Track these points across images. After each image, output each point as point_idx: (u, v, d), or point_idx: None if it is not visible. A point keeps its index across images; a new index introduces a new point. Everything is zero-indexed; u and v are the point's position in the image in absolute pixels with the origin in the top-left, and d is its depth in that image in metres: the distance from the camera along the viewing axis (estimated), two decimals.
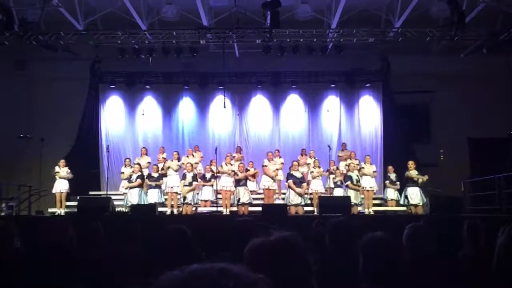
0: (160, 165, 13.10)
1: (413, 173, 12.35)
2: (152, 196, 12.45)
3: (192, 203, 12.56)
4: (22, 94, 16.11)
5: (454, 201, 10.88)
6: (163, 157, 13.57)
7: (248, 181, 12.67)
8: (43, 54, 14.86)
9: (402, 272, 2.43)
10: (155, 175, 12.73)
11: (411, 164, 12.45)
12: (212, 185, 12.64)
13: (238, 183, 12.42)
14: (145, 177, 12.72)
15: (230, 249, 3.09)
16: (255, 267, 1.44)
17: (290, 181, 12.34)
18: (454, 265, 3.64)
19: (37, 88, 16.10)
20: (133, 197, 12.27)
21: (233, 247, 3.17)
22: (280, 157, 13.62)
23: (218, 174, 12.71)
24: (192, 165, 12.89)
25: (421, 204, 11.99)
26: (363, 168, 12.81)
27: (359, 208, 12.48)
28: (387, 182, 13.03)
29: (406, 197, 12.29)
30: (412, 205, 12.14)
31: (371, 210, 12.37)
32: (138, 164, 12.92)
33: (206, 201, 12.56)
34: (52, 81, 15.84)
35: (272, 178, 12.67)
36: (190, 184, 12.45)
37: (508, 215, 10.06)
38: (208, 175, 12.71)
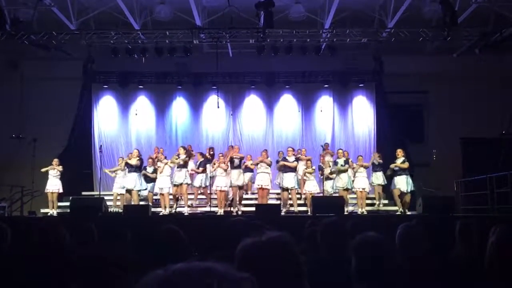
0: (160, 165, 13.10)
1: (398, 161, 12.26)
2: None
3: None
4: (14, 94, 16.00)
5: (446, 201, 10.94)
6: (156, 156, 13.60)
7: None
8: (36, 53, 14.79)
9: (394, 272, 2.44)
10: (150, 169, 12.72)
11: (399, 152, 12.40)
12: (204, 171, 12.85)
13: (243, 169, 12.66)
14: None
15: (223, 249, 3.09)
16: (246, 267, 1.44)
17: (282, 162, 12.55)
18: (446, 265, 3.66)
19: (29, 88, 16.00)
20: (130, 182, 12.33)
21: (227, 247, 3.17)
22: (268, 157, 13.59)
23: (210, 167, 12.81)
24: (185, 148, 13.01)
25: (408, 190, 12.00)
26: (354, 167, 12.78)
27: (351, 208, 12.53)
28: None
29: (394, 182, 12.25)
30: (400, 190, 12.08)
31: (364, 210, 12.39)
32: (136, 150, 12.96)
33: (198, 187, 12.91)
34: (45, 81, 15.75)
35: (266, 163, 12.65)
36: (186, 163, 12.52)
37: (499, 215, 10.13)
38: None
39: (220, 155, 13.29)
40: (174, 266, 0.69)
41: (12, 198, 12.96)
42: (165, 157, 12.90)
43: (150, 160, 13.05)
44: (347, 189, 12.39)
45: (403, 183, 12.06)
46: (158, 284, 0.65)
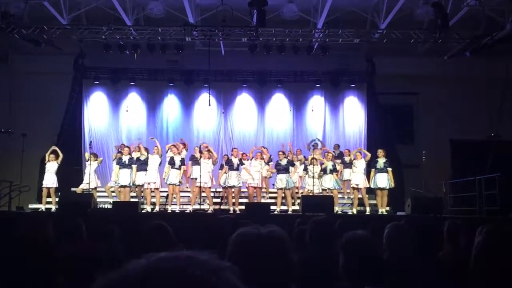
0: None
1: (380, 161, 12.32)
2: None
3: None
4: (4, 88, 15.83)
5: (435, 201, 11.01)
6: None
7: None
8: (26, 48, 14.65)
9: (381, 271, 2.45)
10: (143, 156, 12.63)
11: (380, 152, 12.45)
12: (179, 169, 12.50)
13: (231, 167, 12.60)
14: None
15: (211, 246, 3.09)
16: (238, 255, 1.44)
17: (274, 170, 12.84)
18: (434, 264, 3.69)
19: (19, 82, 15.86)
20: (125, 178, 12.28)
21: (215, 244, 3.17)
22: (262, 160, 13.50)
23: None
24: (177, 147, 12.86)
25: (387, 188, 12.11)
26: (354, 166, 12.70)
27: (342, 208, 12.54)
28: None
29: (375, 181, 12.29)
30: (379, 188, 12.15)
31: (355, 210, 12.36)
32: (127, 147, 12.86)
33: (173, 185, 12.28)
34: (35, 75, 15.63)
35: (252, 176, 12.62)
36: (179, 167, 12.34)
37: (487, 216, 10.23)
38: (177, 159, 12.49)
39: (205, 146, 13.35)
40: (156, 254, 0.69)
41: (0, 193, 12.84)
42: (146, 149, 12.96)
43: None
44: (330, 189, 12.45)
45: (383, 182, 12.11)
46: (139, 272, 0.65)
